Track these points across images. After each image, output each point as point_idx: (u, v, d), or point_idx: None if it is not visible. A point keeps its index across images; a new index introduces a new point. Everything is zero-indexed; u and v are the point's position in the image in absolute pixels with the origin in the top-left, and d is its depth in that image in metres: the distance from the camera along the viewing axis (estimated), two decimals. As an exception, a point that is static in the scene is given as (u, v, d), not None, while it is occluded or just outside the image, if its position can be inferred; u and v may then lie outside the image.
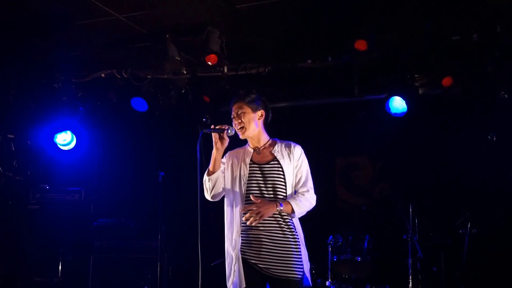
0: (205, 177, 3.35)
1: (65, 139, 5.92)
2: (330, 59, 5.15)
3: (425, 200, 5.63)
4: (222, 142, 3.30)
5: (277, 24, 4.66)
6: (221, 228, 6.27)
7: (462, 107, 5.48)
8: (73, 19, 4.58)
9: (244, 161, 3.36)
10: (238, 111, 3.37)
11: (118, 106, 5.82)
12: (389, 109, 5.19)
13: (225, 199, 3.43)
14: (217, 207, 6.26)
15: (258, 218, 3.12)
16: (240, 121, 3.35)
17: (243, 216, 3.23)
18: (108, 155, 6.41)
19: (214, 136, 3.30)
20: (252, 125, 3.37)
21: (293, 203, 3.22)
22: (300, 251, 3.26)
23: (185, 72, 5.36)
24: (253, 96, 3.42)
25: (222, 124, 3.39)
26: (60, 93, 5.70)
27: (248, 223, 3.14)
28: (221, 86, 5.49)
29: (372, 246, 5.43)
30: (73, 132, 5.95)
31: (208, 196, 3.39)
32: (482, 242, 5.30)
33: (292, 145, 3.40)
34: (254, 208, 3.13)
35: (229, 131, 3.31)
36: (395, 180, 6.07)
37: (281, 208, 3.18)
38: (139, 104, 5.69)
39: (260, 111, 3.41)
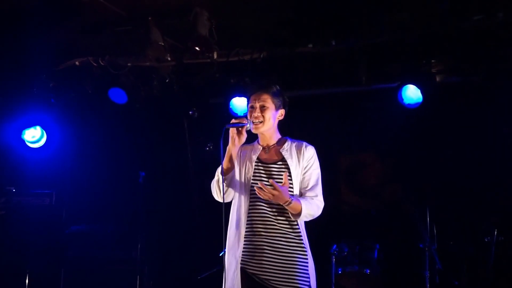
0: (218, 177, 3.35)
1: (34, 136, 5.97)
2: (333, 43, 5.20)
3: (444, 203, 5.64)
4: (239, 138, 3.33)
5: (273, 3, 4.66)
6: (210, 236, 6.31)
7: (485, 96, 5.47)
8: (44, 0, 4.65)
9: (250, 158, 3.43)
10: (261, 103, 3.39)
11: (94, 98, 5.89)
12: (402, 99, 5.25)
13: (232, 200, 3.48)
14: (204, 211, 6.35)
15: (267, 196, 3.16)
16: (260, 115, 3.38)
17: (248, 220, 3.32)
18: (83, 154, 6.43)
19: (232, 130, 3.32)
20: (270, 123, 3.42)
21: (302, 202, 3.26)
22: (307, 263, 3.32)
23: (169, 59, 5.40)
24: (277, 88, 3.47)
25: (231, 118, 3.42)
26: (29, 83, 5.78)
27: (257, 190, 3.18)
28: (210, 74, 5.54)
29: (382, 257, 5.46)
30: (43, 127, 6.01)
31: (219, 197, 3.38)
32: (510, 251, 5.29)
33: (303, 145, 3.45)
34: (273, 191, 3.16)
35: (248, 126, 3.34)
36: (408, 180, 6.05)
37: (293, 202, 3.21)
38: (118, 95, 5.77)
39: (282, 110, 3.48)
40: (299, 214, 3.25)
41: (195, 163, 6.38)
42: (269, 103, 3.40)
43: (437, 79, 5.27)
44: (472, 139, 5.71)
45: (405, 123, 5.71)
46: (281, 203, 3.22)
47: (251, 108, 3.42)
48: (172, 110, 6.13)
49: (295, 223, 3.33)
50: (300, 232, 3.34)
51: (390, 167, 6.35)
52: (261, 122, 3.38)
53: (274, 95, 3.44)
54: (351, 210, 6.35)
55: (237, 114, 5.59)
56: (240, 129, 3.31)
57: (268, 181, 3.28)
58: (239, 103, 5.63)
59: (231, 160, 3.34)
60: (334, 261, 5.37)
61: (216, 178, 3.37)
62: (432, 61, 5.23)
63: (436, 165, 5.87)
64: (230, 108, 5.63)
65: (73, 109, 6.17)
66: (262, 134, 3.48)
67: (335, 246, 5.42)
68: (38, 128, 5.98)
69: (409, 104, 5.24)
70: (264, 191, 3.14)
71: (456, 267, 5.42)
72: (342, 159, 6.52)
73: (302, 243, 3.33)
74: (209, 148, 5.91)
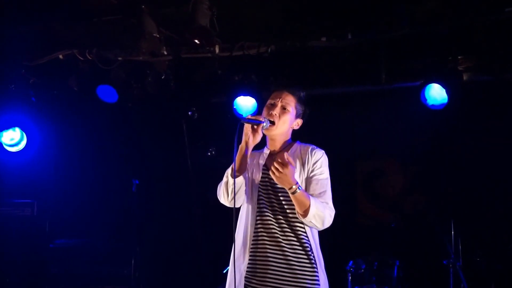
0: (228, 179, 3.28)
1: (12, 138, 5.93)
2: (350, 37, 5.18)
3: (470, 215, 5.64)
4: (254, 136, 3.28)
5: (283, -9, 4.68)
6: (211, 250, 6.25)
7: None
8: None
9: (258, 164, 3.43)
10: (284, 104, 3.38)
11: (81, 96, 5.82)
12: (425, 99, 5.24)
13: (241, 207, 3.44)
14: (205, 223, 6.31)
15: (275, 172, 3.11)
16: (277, 114, 3.35)
17: (254, 231, 3.30)
18: (68, 159, 6.43)
19: (247, 127, 3.28)
20: (284, 128, 3.40)
21: (314, 201, 3.18)
22: (317, 279, 3.27)
23: (165, 52, 5.38)
24: (304, 95, 3.47)
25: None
26: (6, 79, 5.69)
27: (275, 165, 3.12)
28: (211, 70, 5.50)
29: (403, 274, 5.45)
30: (22, 129, 5.97)
31: (225, 201, 3.35)
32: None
33: (310, 149, 3.41)
34: (280, 166, 3.10)
35: (265, 125, 3.30)
36: (432, 190, 6.08)
37: (299, 191, 3.14)
38: (107, 93, 5.74)
39: (300, 120, 3.48)
40: (307, 211, 3.15)
41: (195, 170, 6.34)
42: (292, 107, 3.39)
43: (464, 77, 5.26)
44: (503, 144, 5.73)
45: (428, 126, 5.75)
46: (286, 188, 3.14)
47: (271, 105, 3.38)
48: (169, 110, 6.09)
49: (303, 235, 3.28)
50: (308, 245, 3.28)
51: (412, 175, 6.36)
52: (274, 123, 3.32)
53: (299, 101, 3.43)
54: (369, 223, 6.38)
55: (241, 115, 5.56)
56: (255, 127, 3.26)
57: (272, 190, 3.30)
58: (244, 103, 5.59)
59: (243, 160, 3.27)
60: (350, 279, 5.36)
61: (224, 179, 3.30)
62: (459, 57, 5.22)
63: (462, 173, 5.88)
64: (234, 109, 5.59)
65: (57, 109, 6.13)
66: (271, 137, 3.44)
67: (351, 262, 5.41)
68: (17, 129, 5.94)
69: (433, 105, 5.23)
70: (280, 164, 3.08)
71: (483, 285, 5.42)
72: (359, 166, 6.53)
73: (311, 257, 3.27)
74: (210, 153, 5.89)
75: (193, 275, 6.20)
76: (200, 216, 6.32)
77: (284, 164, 3.09)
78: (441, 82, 5.12)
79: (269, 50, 5.29)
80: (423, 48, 5.22)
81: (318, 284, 3.28)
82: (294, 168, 3.16)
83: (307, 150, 3.40)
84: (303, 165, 3.36)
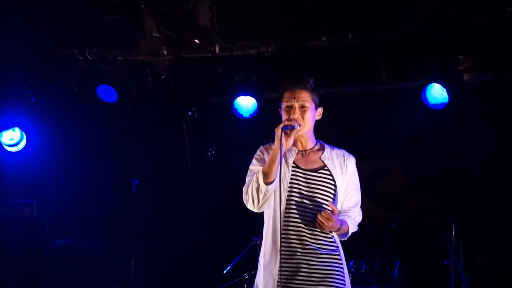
0: (260, 185, 3.22)
1: (12, 138, 5.94)
2: (350, 36, 5.17)
3: (472, 215, 5.64)
4: (287, 141, 3.21)
5: (284, -10, 4.68)
6: (211, 251, 6.24)
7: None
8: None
9: (286, 161, 3.35)
10: (301, 103, 3.33)
11: (80, 96, 5.80)
12: (426, 99, 5.24)
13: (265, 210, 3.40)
14: (205, 224, 6.32)
15: (323, 225, 3.16)
16: (300, 116, 3.30)
17: (282, 233, 3.23)
18: (67, 159, 6.40)
19: (279, 131, 3.22)
20: (309, 124, 3.37)
21: (349, 223, 3.32)
22: (344, 279, 3.30)
23: (165, 52, 5.35)
24: (314, 82, 3.41)
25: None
26: (5, 79, 5.69)
27: (319, 219, 3.17)
28: (211, 70, 5.51)
29: (404, 275, 5.45)
30: (22, 129, 5.96)
31: (255, 207, 3.30)
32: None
33: (345, 155, 3.47)
34: (326, 221, 3.16)
35: (297, 129, 3.25)
36: (433, 190, 6.09)
37: (342, 227, 3.27)
38: (107, 93, 5.73)
39: (320, 108, 3.44)
40: (345, 234, 3.36)
41: (195, 170, 6.34)
42: (309, 102, 3.35)
43: (465, 77, 5.25)
44: (503, 144, 5.73)
45: (429, 126, 5.73)
46: (332, 230, 3.27)
47: (288, 108, 3.34)
48: (168, 110, 6.08)
49: (332, 235, 3.31)
50: (336, 245, 3.33)
51: (413, 176, 6.36)
52: (299, 125, 3.28)
53: (313, 92, 3.38)
54: (369, 223, 6.19)
55: (242, 115, 5.57)
56: (288, 132, 3.22)
57: (306, 190, 3.28)
58: (244, 103, 5.59)
59: (277, 165, 3.20)
60: (350, 279, 5.29)
61: (255, 185, 3.24)
62: (460, 57, 5.21)
63: (463, 173, 5.89)
64: (235, 108, 5.59)
65: (56, 109, 6.10)
66: (298, 137, 3.39)
67: (352, 262, 5.40)
68: (17, 129, 5.93)
69: (434, 105, 5.24)
70: (326, 219, 3.15)
71: (484, 286, 5.42)
72: (360, 166, 6.35)
73: (339, 257, 3.31)
74: (210, 153, 5.89)
75: (193, 275, 6.19)
76: (200, 216, 6.32)
77: (329, 218, 3.14)
78: (441, 81, 5.13)
79: (269, 49, 5.29)
80: (424, 47, 5.23)
81: (344, 284, 3.29)
82: (337, 216, 3.20)
83: (344, 156, 3.46)
84: (342, 170, 3.40)
